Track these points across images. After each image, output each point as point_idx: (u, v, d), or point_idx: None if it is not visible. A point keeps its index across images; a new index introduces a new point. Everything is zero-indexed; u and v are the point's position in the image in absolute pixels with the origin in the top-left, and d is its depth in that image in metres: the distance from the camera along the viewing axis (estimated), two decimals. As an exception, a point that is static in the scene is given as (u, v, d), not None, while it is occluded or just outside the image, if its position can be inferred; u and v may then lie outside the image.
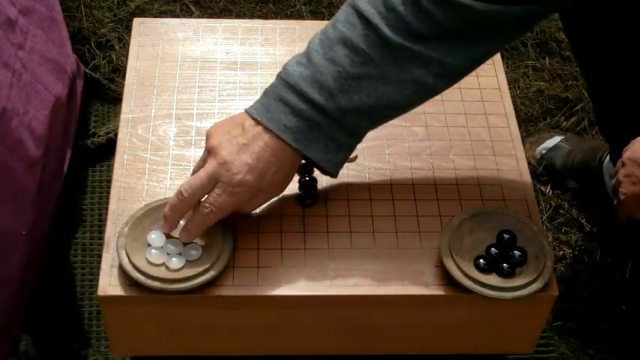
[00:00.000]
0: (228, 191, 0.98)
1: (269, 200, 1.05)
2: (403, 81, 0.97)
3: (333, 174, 1.03)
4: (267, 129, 0.97)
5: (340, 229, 1.07)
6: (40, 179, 1.29)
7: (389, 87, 0.97)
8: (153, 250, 1.00)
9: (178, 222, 1.01)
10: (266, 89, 1.00)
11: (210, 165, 0.98)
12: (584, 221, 1.51)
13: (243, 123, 0.99)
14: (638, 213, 1.11)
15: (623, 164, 1.11)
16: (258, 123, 0.98)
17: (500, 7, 0.94)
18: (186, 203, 0.99)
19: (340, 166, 1.03)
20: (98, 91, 1.61)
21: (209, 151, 0.99)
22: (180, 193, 0.99)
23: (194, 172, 1.02)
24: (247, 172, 0.97)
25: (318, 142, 0.98)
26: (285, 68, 0.99)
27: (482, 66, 1.25)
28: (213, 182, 0.98)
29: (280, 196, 1.09)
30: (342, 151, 1.01)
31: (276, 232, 1.06)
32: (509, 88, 1.25)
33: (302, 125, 0.97)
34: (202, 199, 0.99)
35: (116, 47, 1.72)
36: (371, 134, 1.16)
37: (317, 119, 0.97)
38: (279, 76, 1.00)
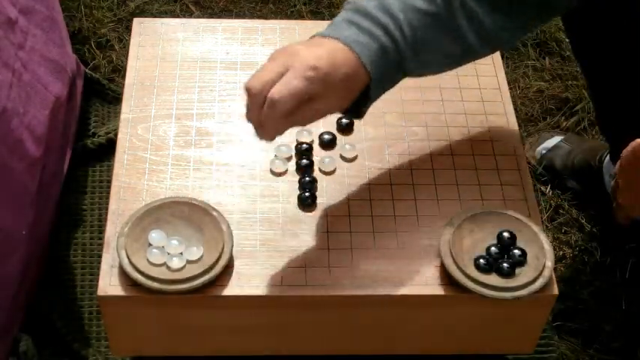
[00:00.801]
0: (299, 75, 0.91)
1: (325, 114, 0.97)
2: (453, 29, 0.99)
3: (362, 112, 1.01)
4: (340, 40, 0.95)
5: (340, 229, 1.07)
6: (40, 179, 1.29)
7: (444, 32, 0.99)
8: (154, 250, 1.00)
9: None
10: (332, 20, 0.99)
11: (280, 58, 0.93)
12: (584, 221, 1.51)
13: (307, 40, 0.97)
14: (636, 214, 1.11)
15: (621, 166, 1.11)
16: (331, 38, 0.96)
17: None
18: (258, 97, 0.92)
19: (368, 105, 1.01)
20: (98, 91, 1.61)
21: (276, 54, 0.94)
22: (249, 89, 0.92)
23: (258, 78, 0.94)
24: (319, 58, 0.92)
25: (381, 67, 0.96)
26: (349, 2, 0.99)
27: (483, 66, 1.26)
28: (283, 71, 0.92)
29: (280, 196, 1.09)
30: (386, 86, 1.00)
31: (276, 232, 1.06)
32: (509, 88, 1.25)
33: (372, 44, 0.95)
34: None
35: (116, 47, 1.72)
36: (371, 134, 1.16)
37: (386, 43, 0.96)
38: (345, 7, 0.99)
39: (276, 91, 0.91)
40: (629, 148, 1.11)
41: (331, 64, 0.93)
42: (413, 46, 0.98)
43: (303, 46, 0.95)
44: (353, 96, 0.97)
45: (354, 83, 0.96)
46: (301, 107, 0.93)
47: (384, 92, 1.01)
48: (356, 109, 1.00)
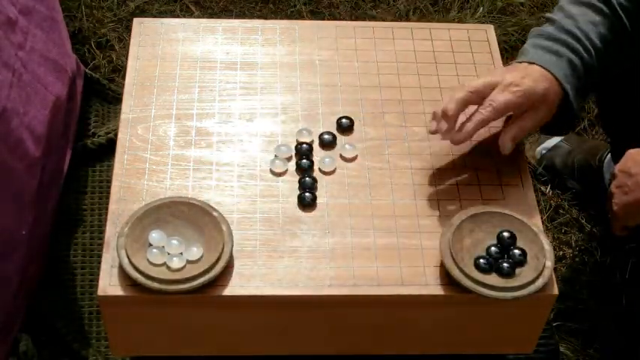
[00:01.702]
0: (507, 89, 1.07)
1: (531, 130, 1.11)
2: (623, 30, 1.13)
3: (567, 128, 1.16)
4: (533, 63, 1.10)
5: (341, 229, 1.07)
6: (40, 179, 1.29)
7: (615, 32, 1.13)
8: (154, 250, 1.00)
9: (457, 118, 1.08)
10: (521, 49, 1.15)
11: (488, 77, 1.09)
12: (584, 221, 1.51)
13: (505, 67, 1.13)
14: (632, 223, 1.12)
15: (615, 176, 1.11)
16: (524, 62, 1.11)
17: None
18: (465, 96, 1.07)
19: (573, 118, 1.14)
20: (98, 91, 1.61)
21: (484, 75, 1.11)
22: (458, 88, 1.08)
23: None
24: (522, 77, 1.07)
25: (573, 79, 1.10)
26: (532, 30, 1.16)
27: (483, 66, 1.26)
28: (491, 88, 1.07)
29: (280, 196, 1.09)
30: (581, 95, 1.12)
31: (276, 232, 1.06)
32: (509, 88, 1.25)
33: (559, 62, 1.09)
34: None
35: (116, 47, 1.72)
36: (371, 134, 1.16)
37: (570, 56, 1.10)
38: (529, 36, 1.15)
39: (488, 102, 1.07)
40: (624, 157, 1.12)
41: (531, 80, 1.08)
42: (595, 55, 1.12)
43: (506, 70, 1.11)
44: (552, 109, 1.10)
45: (553, 96, 1.09)
46: (511, 123, 1.09)
47: (583, 101, 1.16)
48: (559, 125, 1.14)
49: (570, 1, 1.16)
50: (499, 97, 1.06)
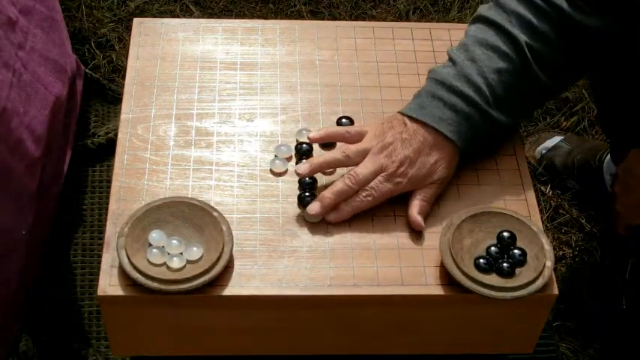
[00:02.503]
0: (390, 180, 1.06)
1: (436, 191, 1.08)
2: (530, 78, 1.09)
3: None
4: (424, 124, 1.07)
5: (340, 229, 1.07)
6: (40, 179, 1.29)
7: (522, 80, 1.08)
8: (154, 250, 1.00)
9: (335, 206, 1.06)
10: (416, 92, 1.10)
11: (377, 158, 1.06)
12: (584, 221, 1.51)
13: (403, 120, 1.08)
14: (635, 222, 1.12)
15: (618, 175, 1.11)
16: (416, 120, 1.07)
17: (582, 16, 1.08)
18: (353, 190, 1.05)
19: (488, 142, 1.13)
20: (98, 91, 1.61)
21: (377, 146, 1.07)
22: (349, 180, 1.05)
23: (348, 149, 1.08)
24: (409, 165, 1.06)
25: (468, 134, 1.07)
26: (431, 71, 1.11)
27: (482, 66, 1.25)
28: (378, 173, 1.06)
29: (280, 196, 1.09)
30: (480, 143, 1.10)
31: (276, 232, 1.06)
32: (509, 88, 1.25)
33: (455, 117, 1.07)
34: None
35: (116, 47, 1.72)
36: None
37: (468, 111, 1.06)
38: (428, 78, 1.10)
39: (369, 190, 1.05)
40: (627, 157, 1.12)
41: (419, 165, 1.06)
42: (495, 104, 1.08)
43: (396, 143, 1.07)
44: (451, 169, 1.08)
45: (448, 158, 1.07)
46: (414, 198, 1.07)
47: (481, 145, 1.12)
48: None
49: (476, 40, 1.10)
50: (382, 188, 1.05)
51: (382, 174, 1.06)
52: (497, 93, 1.07)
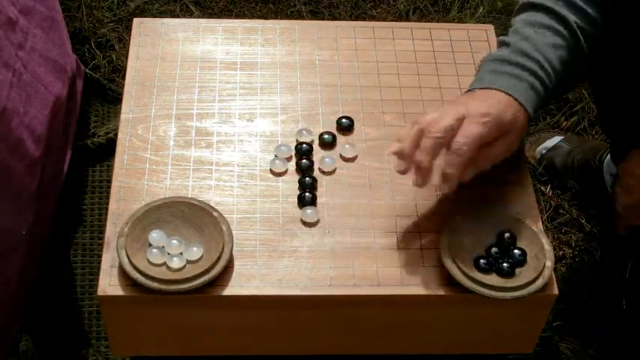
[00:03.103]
0: (475, 121, 0.99)
1: (502, 156, 1.05)
2: (580, 51, 1.09)
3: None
4: (497, 89, 1.04)
5: (341, 229, 1.07)
6: (40, 179, 1.29)
7: (573, 56, 1.08)
8: (154, 250, 1.00)
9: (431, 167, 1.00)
10: (475, 76, 1.09)
11: (452, 109, 1.01)
12: (584, 221, 1.51)
13: (470, 93, 1.05)
14: (636, 223, 1.12)
15: (619, 176, 1.11)
16: (488, 89, 1.04)
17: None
18: (437, 142, 0.99)
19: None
20: (98, 91, 1.61)
21: (445, 107, 1.03)
22: (428, 132, 0.99)
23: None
24: (489, 105, 1.01)
25: (534, 103, 1.05)
26: (485, 57, 1.10)
27: (482, 66, 1.25)
28: (460, 120, 1.00)
29: (280, 196, 1.09)
30: (539, 114, 1.10)
31: (276, 232, 1.06)
32: (509, 88, 1.25)
33: (522, 86, 1.04)
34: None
35: (116, 47, 1.72)
36: (371, 134, 1.16)
37: (532, 81, 1.05)
38: (484, 62, 1.09)
39: (460, 139, 0.99)
40: (628, 157, 1.12)
41: (500, 109, 1.01)
42: (555, 77, 1.07)
43: (468, 98, 1.04)
44: (522, 133, 1.05)
45: (521, 121, 1.04)
46: (481, 153, 1.01)
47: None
48: None
49: (526, 23, 1.10)
50: (472, 131, 0.99)
51: (466, 119, 1.00)
52: (554, 66, 1.07)
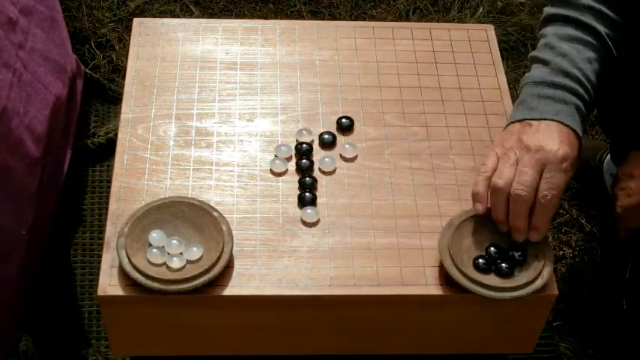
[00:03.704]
0: (557, 169, 1.00)
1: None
2: (612, 58, 1.10)
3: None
4: (551, 120, 1.04)
5: (340, 229, 1.07)
6: (40, 179, 1.29)
7: (606, 66, 1.09)
8: (154, 250, 1.00)
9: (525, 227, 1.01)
10: (517, 102, 1.08)
11: (528, 157, 1.01)
12: (584, 221, 1.51)
13: (517, 126, 1.05)
14: (635, 225, 1.12)
15: (618, 178, 1.11)
16: (533, 120, 1.04)
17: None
18: (528, 202, 1.00)
19: None
20: (98, 91, 1.61)
21: (510, 152, 1.02)
22: (517, 195, 0.99)
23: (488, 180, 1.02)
24: (560, 145, 1.02)
25: (581, 124, 1.06)
26: (524, 79, 1.09)
27: (483, 66, 1.26)
28: (540, 170, 1.00)
29: (280, 196, 1.09)
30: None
31: (276, 232, 1.06)
32: (509, 88, 1.25)
33: (568, 109, 1.04)
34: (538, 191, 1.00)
35: (116, 47, 1.72)
36: (371, 134, 1.16)
37: (576, 102, 1.05)
38: (524, 85, 1.08)
39: (546, 192, 1.00)
40: (627, 160, 1.12)
41: (569, 147, 1.02)
42: (593, 92, 1.08)
43: (530, 136, 1.03)
44: (578, 162, 1.06)
45: (578, 148, 1.05)
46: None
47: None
48: None
49: (559, 37, 1.10)
50: (558, 182, 1.00)
51: (546, 168, 1.01)
52: (592, 81, 1.08)
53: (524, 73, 1.73)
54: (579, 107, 1.06)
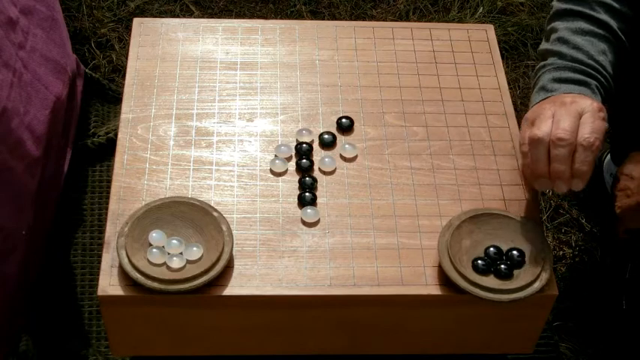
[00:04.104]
0: (596, 116, 1.00)
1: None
2: (624, 50, 1.11)
3: None
4: (576, 94, 1.04)
5: (340, 229, 1.07)
6: (40, 179, 1.29)
7: (619, 58, 1.10)
8: (154, 250, 1.00)
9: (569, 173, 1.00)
10: (535, 89, 1.09)
11: (564, 109, 1.01)
12: (584, 221, 1.51)
13: (544, 102, 1.04)
14: (634, 226, 1.12)
15: (617, 178, 1.11)
16: (569, 94, 1.04)
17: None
18: (570, 146, 0.99)
19: None
20: (98, 91, 1.61)
21: (547, 109, 1.02)
22: (558, 139, 0.98)
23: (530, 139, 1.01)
24: (593, 100, 1.02)
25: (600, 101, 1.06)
26: (540, 66, 1.10)
27: (483, 66, 1.26)
28: (578, 117, 1.00)
29: (280, 196, 1.09)
30: None
31: (276, 232, 1.06)
32: (509, 88, 1.25)
33: (589, 92, 1.04)
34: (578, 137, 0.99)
35: (116, 47, 1.72)
36: (371, 134, 1.16)
37: (595, 85, 1.06)
38: (541, 74, 1.09)
39: (590, 135, 0.99)
40: (627, 160, 1.12)
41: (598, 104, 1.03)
42: (611, 82, 1.09)
43: (561, 97, 1.03)
44: None
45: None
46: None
47: None
48: None
49: (572, 31, 1.11)
50: (599, 125, 1.00)
51: (585, 115, 1.01)
52: (609, 71, 1.08)
53: (524, 73, 1.73)
54: (598, 88, 1.06)
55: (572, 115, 1.00)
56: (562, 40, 1.10)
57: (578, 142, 0.99)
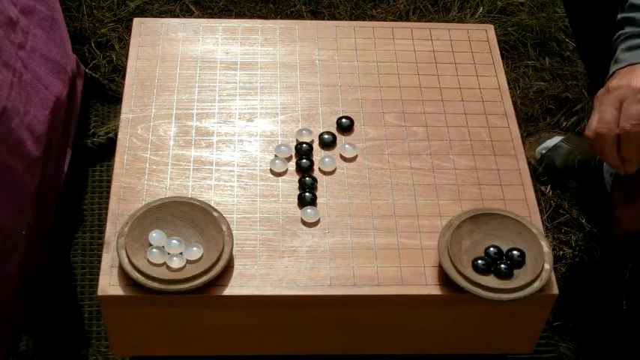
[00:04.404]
0: (636, 100, 1.01)
1: None
2: None
3: None
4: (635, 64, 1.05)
5: (340, 229, 1.07)
6: (40, 179, 1.29)
7: None
8: (154, 250, 1.00)
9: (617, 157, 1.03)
10: (616, 55, 1.09)
11: (605, 97, 1.03)
12: (584, 221, 1.51)
13: (608, 82, 1.07)
14: (633, 229, 1.12)
15: (617, 177, 1.12)
16: (620, 70, 1.06)
17: None
18: (612, 136, 1.02)
19: None
20: (98, 91, 1.61)
21: (600, 97, 1.05)
22: (597, 134, 1.02)
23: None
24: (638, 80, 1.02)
25: None
26: (618, 36, 1.10)
27: (483, 66, 1.26)
28: (618, 105, 1.02)
29: (280, 196, 1.09)
30: None
31: (276, 232, 1.06)
32: (509, 88, 1.26)
33: None
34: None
35: (116, 47, 1.72)
36: (371, 134, 1.16)
37: None
38: (620, 44, 1.09)
39: (628, 123, 1.01)
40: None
41: None
42: None
43: (617, 81, 1.05)
44: None
45: None
46: None
47: None
48: None
49: None
50: (635, 112, 1.01)
51: (625, 102, 1.02)
52: None
53: (524, 73, 1.73)
54: None
55: (612, 106, 1.02)
56: (634, 7, 1.10)
57: (623, 125, 1.02)
